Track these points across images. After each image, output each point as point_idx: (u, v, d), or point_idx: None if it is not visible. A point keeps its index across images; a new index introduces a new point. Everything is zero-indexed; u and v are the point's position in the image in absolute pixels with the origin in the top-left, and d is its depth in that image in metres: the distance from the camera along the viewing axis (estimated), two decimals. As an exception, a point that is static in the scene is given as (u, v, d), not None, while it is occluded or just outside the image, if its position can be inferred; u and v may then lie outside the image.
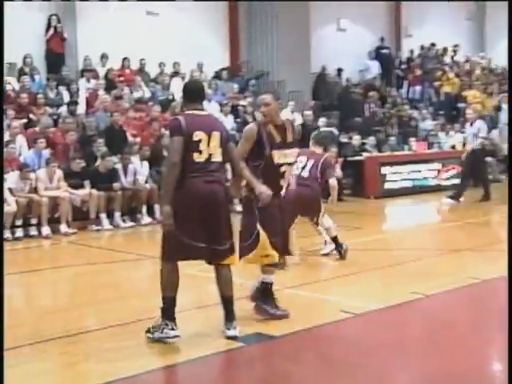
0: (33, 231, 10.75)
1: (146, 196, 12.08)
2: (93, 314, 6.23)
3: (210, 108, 15.54)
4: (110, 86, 15.09)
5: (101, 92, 14.58)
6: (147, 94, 15.53)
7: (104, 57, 15.87)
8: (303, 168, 8.11)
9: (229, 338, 5.15)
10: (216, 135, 5.14)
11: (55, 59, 15.39)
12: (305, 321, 5.58)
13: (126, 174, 12.07)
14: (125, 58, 16.05)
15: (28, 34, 14.95)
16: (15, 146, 11.62)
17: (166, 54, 16.51)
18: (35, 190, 11.00)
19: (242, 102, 16.34)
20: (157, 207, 12.17)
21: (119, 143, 12.63)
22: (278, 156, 5.50)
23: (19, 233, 10.59)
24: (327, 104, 18.62)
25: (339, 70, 20.11)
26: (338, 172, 14.76)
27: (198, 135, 5.05)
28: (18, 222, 10.63)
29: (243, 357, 5.06)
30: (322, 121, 16.20)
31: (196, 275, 6.66)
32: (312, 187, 8.02)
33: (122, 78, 15.52)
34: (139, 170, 12.32)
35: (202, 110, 5.31)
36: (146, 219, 11.95)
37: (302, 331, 5.38)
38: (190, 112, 5.19)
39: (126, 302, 6.29)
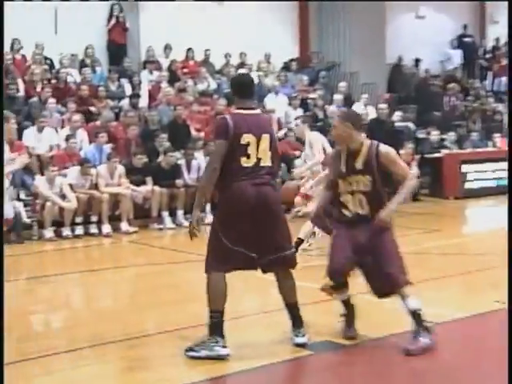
0: (93, 229, 10.98)
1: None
2: (153, 317, 6.31)
3: (278, 101, 15.58)
4: (173, 78, 15.27)
5: (164, 84, 14.77)
6: (212, 87, 15.64)
7: (167, 47, 16.08)
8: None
9: (297, 345, 5.12)
10: (266, 138, 5.01)
11: (117, 50, 15.68)
12: (380, 329, 5.50)
13: (189, 170, 12.19)
14: (189, 49, 16.22)
15: (89, 24, 15.27)
16: (76, 140, 11.89)
17: (231, 44, 16.59)
18: (96, 187, 11.23)
19: (311, 95, 16.26)
20: (221, 206, 12.25)
21: (182, 138, 12.76)
22: (344, 184, 5.18)
23: (79, 230, 10.83)
24: (403, 97, 18.35)
25: (417, 61, 19.77)
26: (415, 170, 14.54)
27: (247, 138, 4.91)
28: (78, 220, 10.88)
29: (312, 366, 5.02)
30: (397, 115, 15.99)
31: (261, 277, 6.65)
32: None
33: (185, 70, 15.70)
34: (203, 166, 12.40)
35: (252, 107, 5.18)
36: (210, 218, 11.98)
37: (376, 340, 5.30)
38: (240, 111, 5.05)
39: (187, 306, 6.33)
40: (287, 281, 5.16)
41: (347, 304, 5.41)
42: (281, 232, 5.05)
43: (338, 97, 15.93)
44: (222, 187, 4.95)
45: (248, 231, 4.90)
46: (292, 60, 17.83)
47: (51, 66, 14.49)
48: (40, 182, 10.71)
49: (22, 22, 14.09)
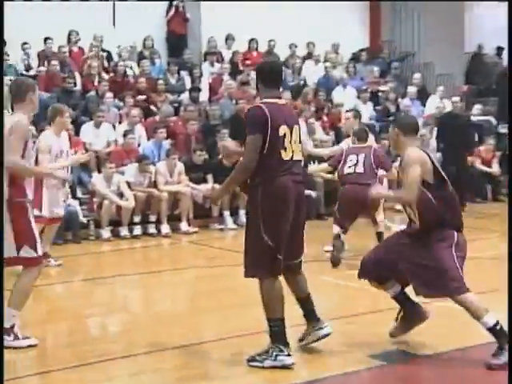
0: (151, 229, 11.11)
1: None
2: (213, 322, 6.32)
3: (347, 95, 15.45)
4: (235, 70, 15.33)
5: (225, 77, 14.84)
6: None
7: (229, 38, 16.15)
8: (355, 165, 8.51)
9: (324, 336, 5.17)
10: (297, 129, 5.00)
11: (177, 41, 15.84)
12: (461, 339, 5.40)
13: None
14: (252, 39, 16.25)
15: (148, 14, 15.46)
16: (134, 136, 12.05)
17: (297, 34, 16.53)
18: (154, 185, 11.35)
19: (382, 88, 16.08)
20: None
21: (245, 133, 12.75)
22: None
23: (137, 230, 10.97)
24: (484, 89, 17.95)
25: (499, 49, 19.30)
26: (496, 167, 14.23)
27: (283, 130, 4.90)
28: (137, 219, 11.01)
29: (386, 377, 4.95)
30: (476, 108, 15.67)
31: (334, 283, 6.61)
32: (369, 184, 7.54)
33: (248, 62, 15.73)
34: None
35: (281, 97, 5.14)
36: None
37: (454, 351, 5.19)
38: (272, 100, 4.97)
39: (248, 310, 6.31)
40: (298, 275, 5.20)
41: (399, 302, 5.36)
42: (303, 236, 5.14)
43: (411, 89, 15.71)
44: (261, 183, 4.89)
45: (286, 232, 4.91)
46: (362, 50, 17.67)
47: (109, 58, 14.73)
48: (97, 180, 10.89)
49: (79, 13, 14.37)
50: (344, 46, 17.15)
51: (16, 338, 5.33)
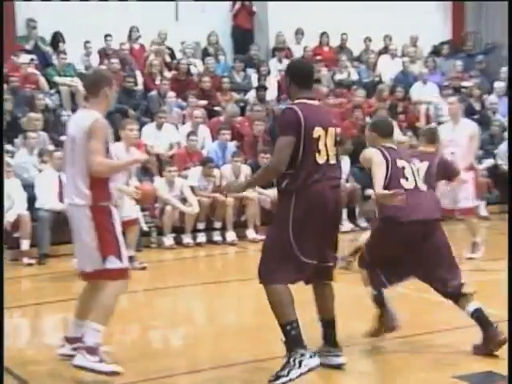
0: (216, 236, 11.17)
1: (346, 197, 12.08)
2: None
3: (427, 91, 15.23)
4: (305, 66, 15.28)
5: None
6: (353, 76, 15.53)
7: (299, 32, 16.15)
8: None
9: (337, 366, 5.13)
10: (332, 132, 4.98)
11: (243, 37, 15.93)
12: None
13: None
14: (323, 33, 16.21)
15: (213, 9, 15.59)
16: (197, 137, 12.14)
17: (372, 26, 16.40)
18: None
19: (466, 84, 15.82)
20: (359, 211, 12.17)
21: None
22: None
23: (201, 238, 11.04)
24: None
25: None
26: None
27: (317, 131, 4.90)
28: (200, 226, 11.09)
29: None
30: None
31: (409, 295, 6.51)
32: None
33: (319, 57, 15.69)
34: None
35: (314, 98, 5.15)
36: (347, 225, 11.94)
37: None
38: (305, 101, 5.01)
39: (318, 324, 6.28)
40: (330, 292, 5.21)
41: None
42: (336, 239, 5.19)
43: (498, 85, 15.39)
44: (295, 189, 4.89)
45: (315, 238, 4.93)
46: (443, 43, 17.43)
47: (172, 56, 14.90)
48: (159, 184, 11.00)
49: (141, 9, 14.59)
50: (423, 39, 16.94)
51: (101, 361, 5.00)
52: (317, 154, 4.89)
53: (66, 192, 5.32)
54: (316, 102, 5.14)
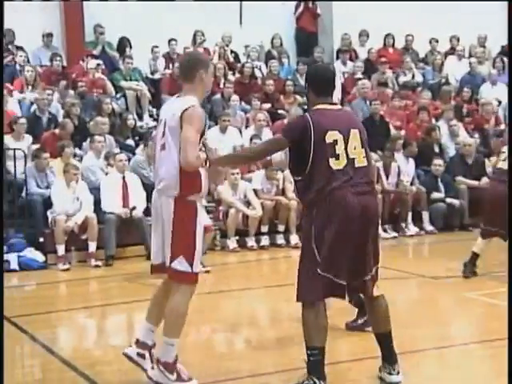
0: (280, 239, 11.19)
1: (411, 201, 11.99)
2: (348, 341, 6.25)
3: (496, 92, 14.97)
4: (369, 68, 15.23)
5: (359, 76, 14.76)
6: (417, 78, 15.38)
7: (363, 34, 16.07)
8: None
9: None
10: (355, 133, 4.82)
11: (306, 39, 15.93)
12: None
13: (387, 173, 12.08)
14: (387, 35, 16.09)
15: (276, 12, 15.62)
16: (261, 140, 12.13)
17: (438, 26, 16.22)
18: (283, 192, 11.43)
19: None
20: (425, 214, 12.04)
21: (380, 137, 12.66)
22: None
23: (265, 241, 11.08)
24: None
25: None
26: None
27: (332, 135, 4.71)
28: (264, 229, 11.12)
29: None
30: None
31: (479, 300, 6.43)
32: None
33: (384, 59, 15.57)
34: (404, 169, 12.25)
35: (334, 103, 4.97)
36: (412, 229, 11.85)
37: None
38: (321, 108, 4.85)
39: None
40: (380, 305, 4.97)
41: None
42: (375, 250, 4.91)
43: None
44: (315, 198, 4.72)
45: (344, 253, 4.70)
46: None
47: (236, 59, 14.99)
48: (223, 188, 11.08)
49: (205, 12, 14.71)
50: (492, 38, 16.63)
51: (179, 378, 4.87)
52: (332, 160, 4.69)
53: (155, 176, 5.05)
54: (336, 107, 4.97)
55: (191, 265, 4.77)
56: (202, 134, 4.78)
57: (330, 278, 4.70)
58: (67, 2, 14.06)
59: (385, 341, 4.98)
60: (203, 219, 4.99)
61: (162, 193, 4.84)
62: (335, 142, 4.72)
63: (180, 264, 4.75)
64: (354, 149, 4.78)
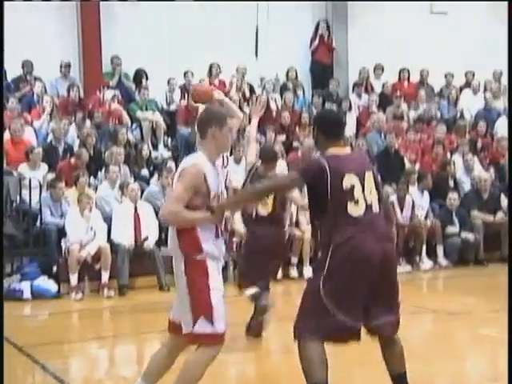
0: (293, 272, 11.20)
1: (426, 234, 11.93)
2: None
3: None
4: (384, 101, 15.26)
5: (374, 109, 14.79)
6: (432, 111, 15.38)
7: (378, 68, 16.11)
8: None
9: None
10: (370, 176, 4.76)
11: (322, 72, 15.99)
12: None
13: (402, 207, 12.04)
14: (403, 69, 16.12)
15: (292, 44, 15.70)
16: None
17: (453, 61, 16.26)
18: (296, 224, 11.40)
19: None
20: (439, 248, 11.97)
21: (395, 170, 12.66)
22: None
23: (278, 273, 11.02)
24: None
25: None
26: None
27: (349, 180, 4.61)
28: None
29: None
30: None
31: (494, 337, 6.36)
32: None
33: (399, 93, 15.60)
34: (418, 202, 12.22)
35: (344, 144, 4.92)
36: (427, 262, 11.79)
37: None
38: (333, 151, 4.75)
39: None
40: (395, 346, 4.86)
41: None
42: (396, 292, 4.82)
43: None
44: (332, 243, 4.60)
45: (361, 297, 4.62)
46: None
47: (251, 90, 15.05)
48: (236, 218, 11.03)
49: (222, 43, 14.81)
50: (506, 73, 16.63)
51: None
52: (350, 205, 4.62)
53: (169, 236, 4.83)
54: (348, 150, 4.92)
55: (212, 323, 4.54)
56: (208, 194, 4.60)
57: (345, 319, 4.59)
58: (85, 32, 14.19)
59: (400, 381, 4.88)
60: (217, 276, 4.69)
61: (172, 253, 4.72)
62: (352, 186, 4.64)
63: (201, 326, 4.53)
64: (370, 192, 4.72)
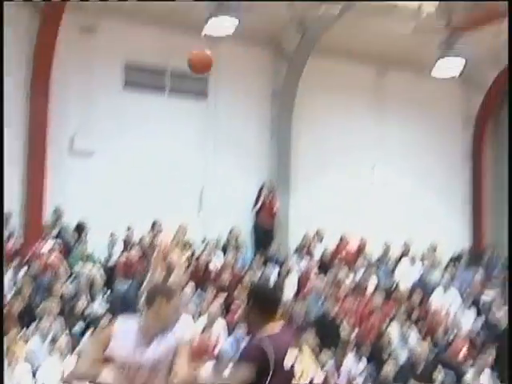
0: None
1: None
2: None
3: (447, 298, 15.08)
4: (324, 267, 15.39)
5: (314, 273, 14.90)
6: (370, 279, 15.54)
7: (318, 234, 16.35)
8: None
9: None
10: (306, 349, 4.78)
11: (264, 234, 16.15)
12: None
13: (338, 375, 11.90)
14: (342, 236, 16.36)
15: (235, 205, 15.93)
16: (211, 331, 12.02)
17: (391, 231, 16.66)
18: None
19: (484, 297, 15.70)
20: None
21: (332, 337, 12.60)
22: None
23: None
24: None
25: None
26: None
27: (289, 360, 4.56)
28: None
29: None
30: None
31: None
32: None
33: (339, 259, 15.78)
34: (354, 371, 12.11)
35: (277, 319, 4.74)
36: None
37: None
38: (270, 331, 4.61)
39: None
40: None
41: None
42: None
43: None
44: None
45: None
46: (460, 254, 17.56)
47: (192, 250, 15.05)
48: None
49: (165, 200, 14.95)
50: (444, 244, 17.01)
51: None
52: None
53: None
54: (278, 328, 4.69)
55: None
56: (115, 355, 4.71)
57: None
58: (30, 183, 14.18)
59: None
60: None
61: None
62: (292, 366, 4.58)
63: None
64: (305, 366, 4.70)
